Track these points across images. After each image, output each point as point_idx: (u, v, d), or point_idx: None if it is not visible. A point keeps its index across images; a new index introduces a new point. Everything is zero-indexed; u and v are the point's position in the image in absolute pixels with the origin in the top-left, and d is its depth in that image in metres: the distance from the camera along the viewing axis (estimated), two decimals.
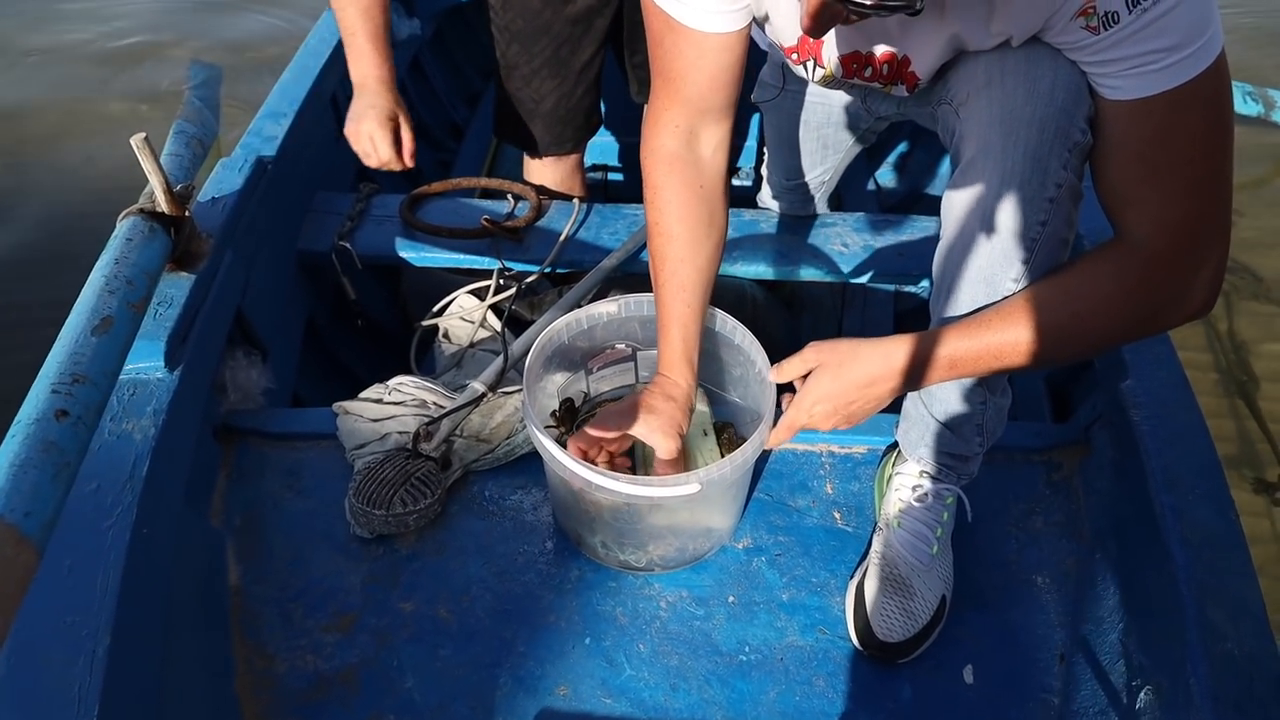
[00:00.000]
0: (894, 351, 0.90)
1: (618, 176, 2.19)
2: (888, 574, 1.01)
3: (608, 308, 1.07)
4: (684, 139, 1.01)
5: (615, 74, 1.72)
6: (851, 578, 1.05)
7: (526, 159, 1.68)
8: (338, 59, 1.72)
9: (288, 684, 0.96)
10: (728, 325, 1.07)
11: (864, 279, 1.48)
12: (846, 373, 0.92)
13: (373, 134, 1.41)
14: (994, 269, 0.88)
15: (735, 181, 2.28)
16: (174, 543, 0.97)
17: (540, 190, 1.61)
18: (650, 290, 1.04)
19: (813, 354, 0.94)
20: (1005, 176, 0.85)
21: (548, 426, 1.17)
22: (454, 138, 2.26)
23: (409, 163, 1.45)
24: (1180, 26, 0.77)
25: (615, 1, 1.53)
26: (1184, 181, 0.82)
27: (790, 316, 1.63)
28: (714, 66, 0.95)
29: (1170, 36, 0.77)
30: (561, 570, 1.06)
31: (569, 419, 1.17)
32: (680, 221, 1.01)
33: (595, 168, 2.22)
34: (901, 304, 1.76)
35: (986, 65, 0.88)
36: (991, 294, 0.89)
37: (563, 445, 0.96)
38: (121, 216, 1.18)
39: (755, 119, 2.13)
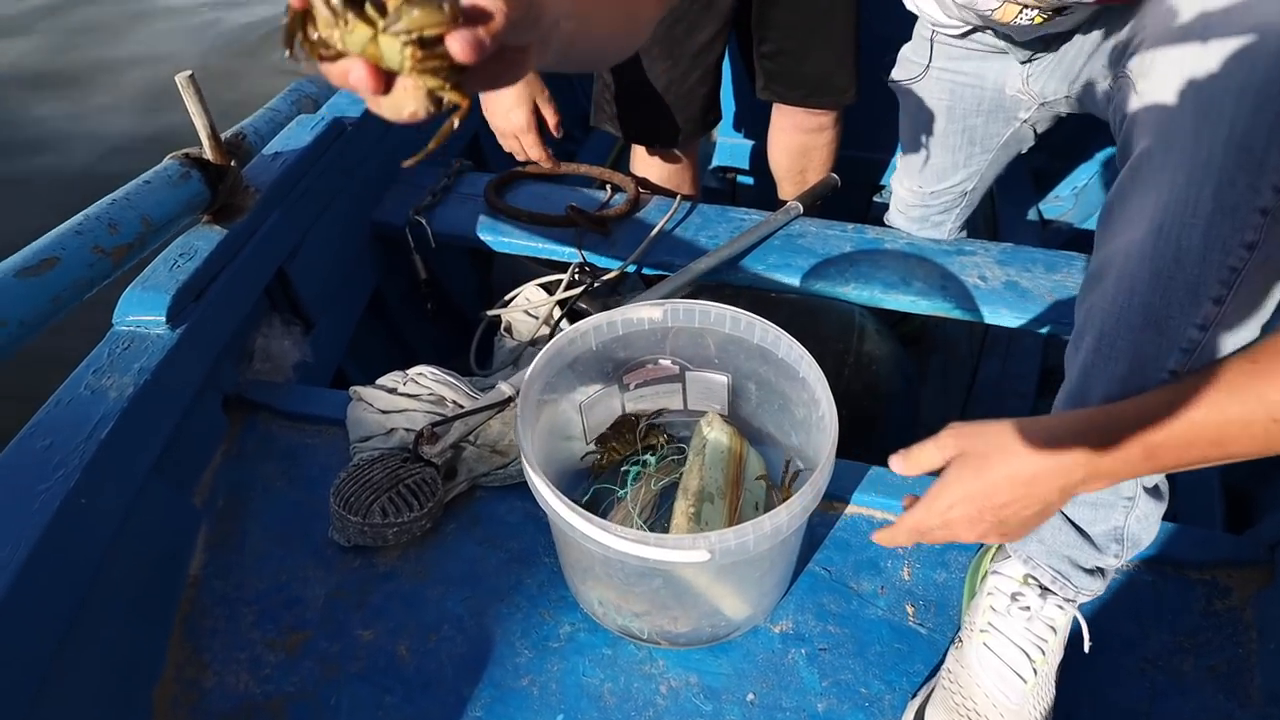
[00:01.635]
0: (1063, 435, 0.63)
1: (747, 180, 1.99)
2: (959, 704, 0.75)
3: (651, 313, 0.87)
4: None
5: (745, 72, 1.53)
6: (913, 697, 0.81)
7: (634, 150, 1.51)
8: None
9: (210, 702, 0.82)
10: (793, 353, 0.84)
11: (1005, 321, 1.21)
12: (1000, 466, 0.65)
13: (519, 135, 1.32)
14: (1170, 308, 0.61)
15: (876, 199, 2.03)
16: (123, 517, 0.86)
17: (641, 182, 1.44)
18: (743, 305, 0.84)
19: (952, 440, 0.68)
20: (1196, 174, 0.58)
21: (589, 453, 0.98)
22: (582, 127, 2.13)
23: (557, 133, 1.35)
24: None
25: None
26: None
27: (910, 356, 1.38)
28: None
29: None
30: (551, 624, 0.87)
31: (622, 439, 0.98)
32: None
33: (723, 169, 2.03)
34: (1052, 356, 1.46)
35: (1182, 15, 0.62)
36: (1165, 344, 0.62)
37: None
38: (168, 157, 1.10)
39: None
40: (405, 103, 0.41)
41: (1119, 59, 0.71)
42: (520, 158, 1.37)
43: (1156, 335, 0.62)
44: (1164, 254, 0.60)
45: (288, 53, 0.42)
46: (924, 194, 1.26)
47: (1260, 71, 0.54)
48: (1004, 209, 1.85)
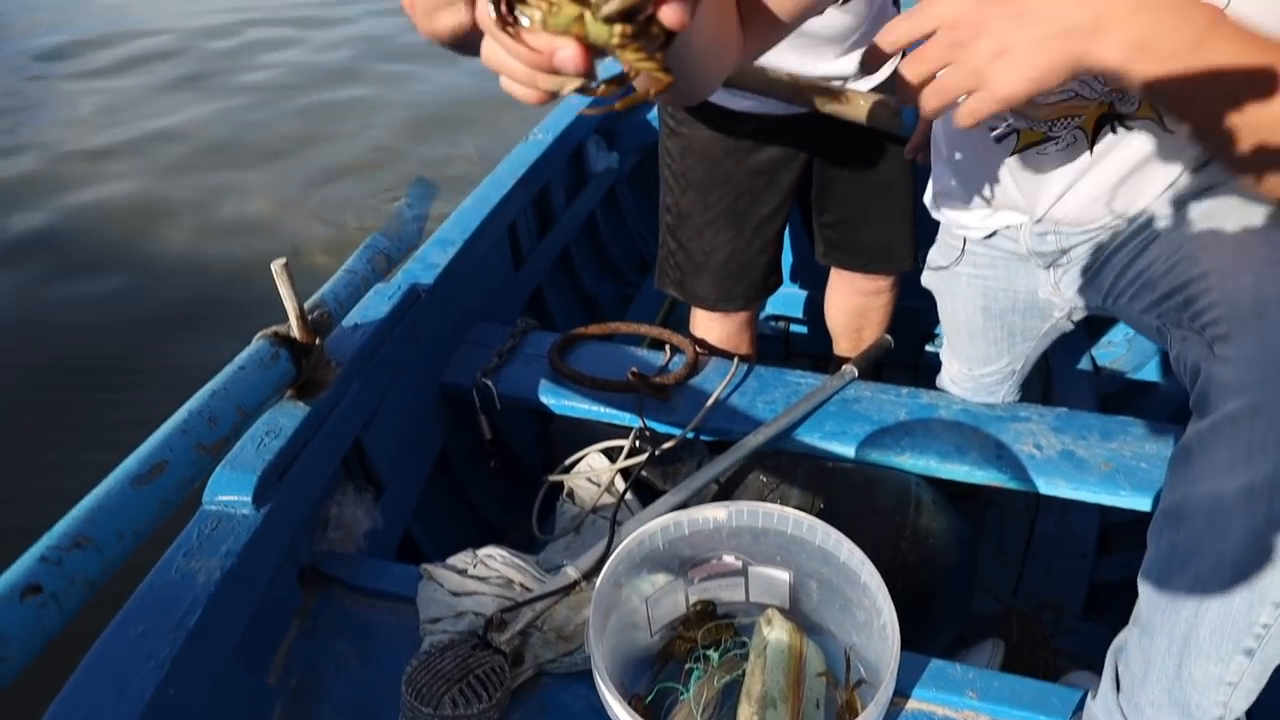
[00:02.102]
0: None
1: (800, 329, 2.04)
2: None
3: (716, 513, 0.91)
4: None
5: (803, 227, 1.59)
6: None
7: (693, 310, 1.57)
8: (523, 188, 1.71)
9: None
10: (854, 558, 0.86)
11: (1061, 491, 1.22)
12: None
13: None
14: (1260, 564, 0.63)
15: (929, 347, 2.06)
16: (206, 705, 0.89)
17: (700, 344, 1.49)
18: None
19: None
20: None
21: (678, 637, 1.00)
22: (639, 271, 2.21)
23: None
24: None
25: (804, 156, 1.41)
26: None
27: (965, 511, 1.38)
28: None
29: None
30: None
31: (689, 632, 0.99)
32: None
33: (776, 318, 2.08)
34: (1111, 515, 1.46)
35: (1250, 281, 0.65)
36: (1256, 599, 0.64)
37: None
38: (256, 338, 1.17)
39: None
40: (568, 81, 0.42)
41: (1175, 305, 0.74)
42: None
43: (1249, 591, 0.64)
44: (1257, 514, 0.62)
45: (494, 14, 0.40)
46: (973, 375, 1.29)
47: None
48: (1057, 361, 1.87)
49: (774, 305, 2.13)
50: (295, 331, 1.16)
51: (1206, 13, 0.56)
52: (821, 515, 1.22)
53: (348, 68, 5.19)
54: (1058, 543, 1.56)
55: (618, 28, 0.39)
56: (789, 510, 0.88)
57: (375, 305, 1.33)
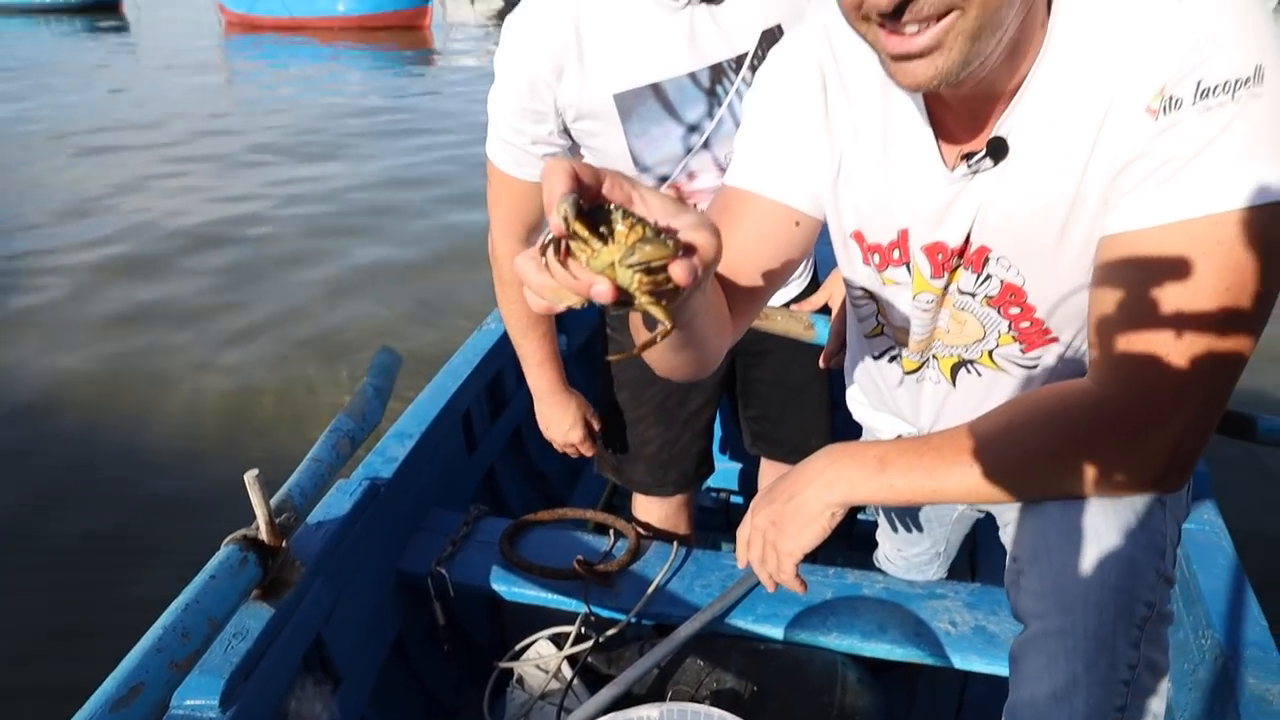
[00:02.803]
0: (822, 451, 0.91)
1: (739, 500, 2.17)
2: None
3: (649, 713, 1.00)
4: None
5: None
6: None
7: (635, 496, 1.69)
8: (477, 376, 1.85)
9: None
10: None
11: (975, 666, 1.32)
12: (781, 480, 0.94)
13: (572, 441, 1.65)
14: None
15: (860, 516, 2.19)
16: None
17: (642, 528, 1.60)
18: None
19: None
20: (1069, 656, 0.75)
21: None
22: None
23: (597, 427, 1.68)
24: (1247, 140, 0.68)
25: (729, 358, 1.57)
26: (1162, 335, 0.71)
27: (897, 677, 1.48)
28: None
29: (1229, 146, 0.68)
30: None
31: None
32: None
33: (716, 490, 2.21)
34: None
35: (1033, 531, 0.81)
36: None
37: None
38: (225, 542, 1.26)
39: None
40: (569, 297, 0.56)
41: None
42: (573, 455, 1.69)
43: None
44: (1062, 713, 0.76)
45: (544, 255, 0.56)
46: (903, 555, 1.42)
47: (1095, 590, 0.76)
48: (981, 538, 2.00)
49: (714, 479, 2.26)
50: (264, 536, 1.25)
51: (874, 450, 0.87)
52: (754, 698, 1.32)
53: (303, 247, 5.40)
54: (986, 708, 1.65)
55: (639, 276, 0.55)
56: (714, 710, 0.98)
57: (338, 502, 1.43)
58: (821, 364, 1.44)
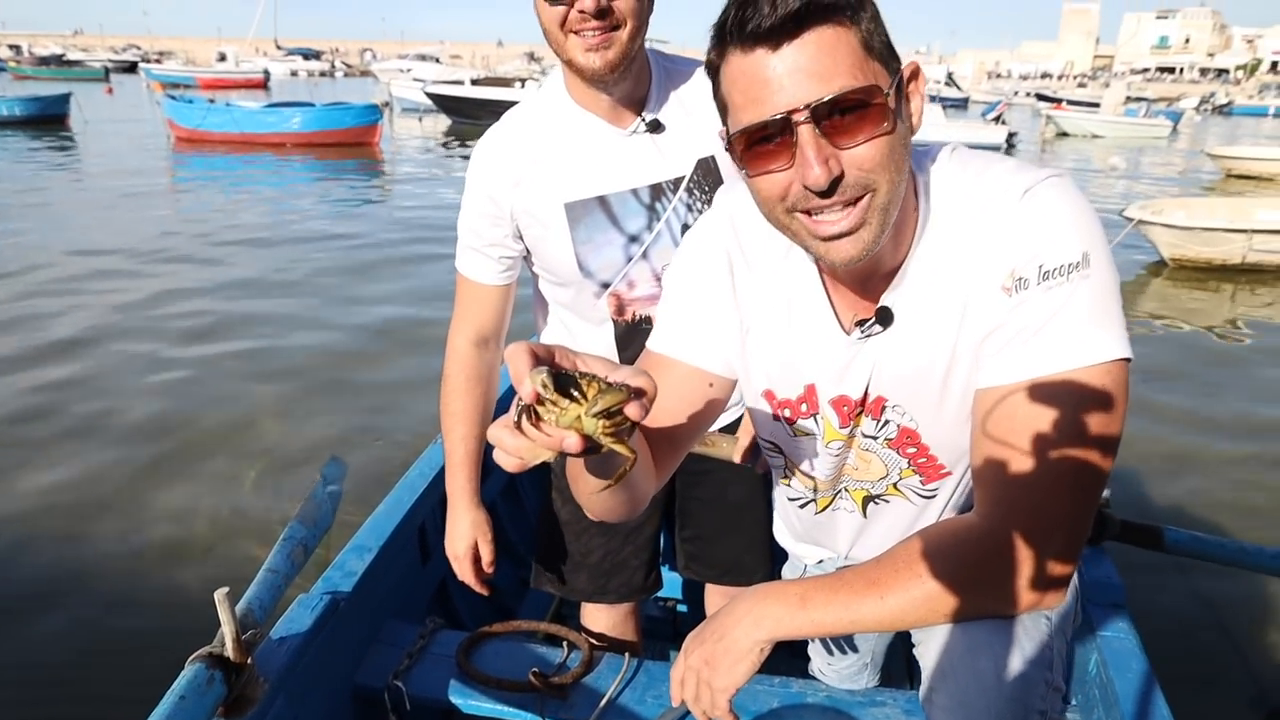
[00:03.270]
0: (749, 591, 1.00)
1: (684, 609, 2.22)
2: None
3: None
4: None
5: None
6: None
7: (583, 605, 1.75)
8: (432, 490, 1.91)
9: None
10: None
11: None
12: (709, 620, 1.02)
13: (456, 555, 1.62)
14: None
15: None
16: None
17: (595, 638, 1.66)
18: None
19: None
20: None
21: None
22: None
23: (488, 570, 1.64)
24: (1080, 313, 0.84)
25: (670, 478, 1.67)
26: (1031, 473, 0.85)
27: None
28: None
29: (1066, 319, 0.84)
30: None
31: None
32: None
33: (662, 600, 2.26)
34: None
35: (940, 651, 0.93)
36: None
37: None
38: (190, 660, 1.28)
39: None
40: (542, 453, 0.67)
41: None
42: (456, 570, 1.65)
43: None
44: None
45: (518, 421, 0.67)
46: (832, 667, 1.49)
47: (993, 701, 0.88)
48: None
49: (666, 589, 2.33)
50: (230, 653, 1.28)
51: (795, 588, 0.97)
52: None
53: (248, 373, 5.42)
54: None
55: (602, 422, 0.68)
56: None
57: (299, 617, 1.47)
58: (737, 458, 1.52)
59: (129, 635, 2.71)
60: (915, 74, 0.88)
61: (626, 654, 1.59)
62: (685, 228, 1.43)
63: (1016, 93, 59.49)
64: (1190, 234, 7.95)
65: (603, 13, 1.22)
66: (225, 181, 12.71)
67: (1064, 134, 28.44)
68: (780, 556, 1.67)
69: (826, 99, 0.80)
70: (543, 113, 1.43)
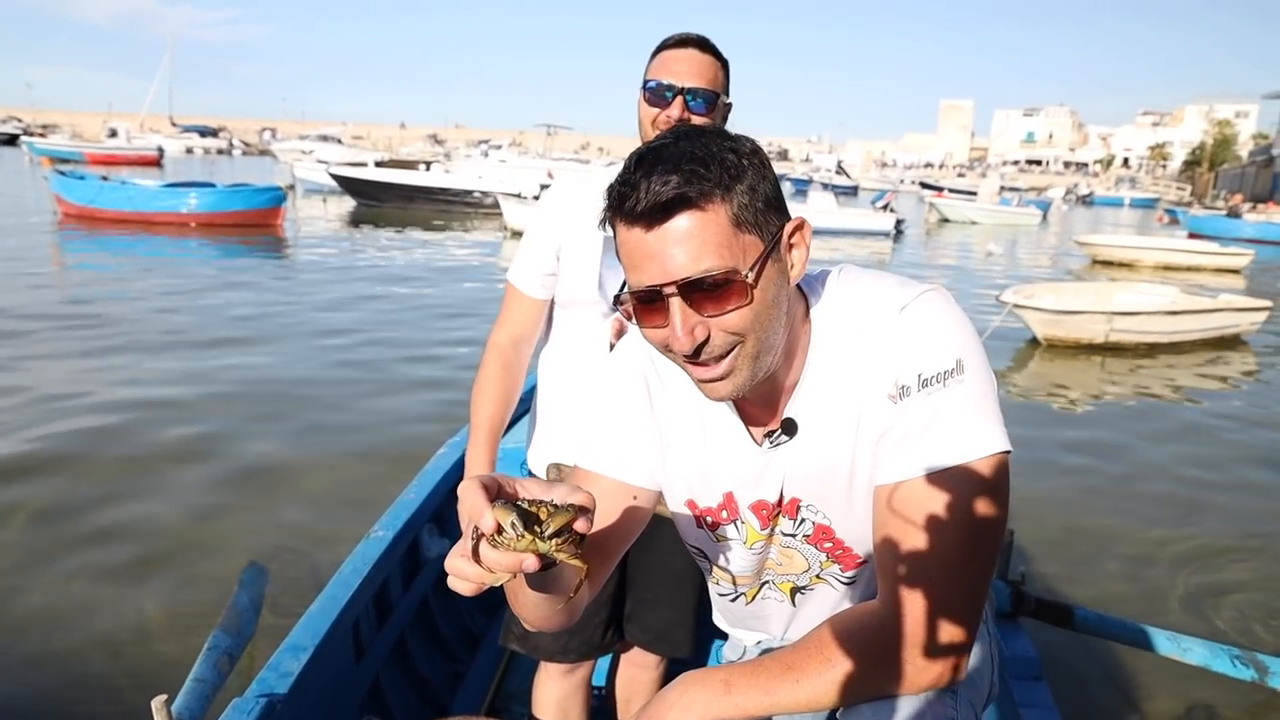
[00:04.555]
0: (688, 673, 1.05)
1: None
2: None
3: None
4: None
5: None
6: None
7: (538, 671, 1.83)
8: (366, 586, 1.90)
9: None
10: None
11: None
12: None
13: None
14: None
15: None
16: None
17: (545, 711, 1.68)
18: None
19: None
20: None
21: None
22: (469, 649, 2.37)
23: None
24: (958, 415, 0.95)
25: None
26: (924, 562, 0.95)
27: None
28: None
29: (947, 421, 0.95)
30: None
31: None
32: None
33: (599, 688, 2.28)
34: None
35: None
36: None
37: None
38: None
39: None
40: (502, 576, 0.77)
41: None
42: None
43: None
44: None
45: (473, 550, 0.77)
46: None
47: None
48: None
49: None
50: None
51: (720, 674, 1.03)
52: None
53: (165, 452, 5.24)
54: None
55: (555, 541, 0.78)
56: None
57: None
58: None
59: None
60: (799, 227, 1.01)
61: None
62: None
63: (902, 181, 63.02)
64: (1059, 317, 8.55)
65: (681, 122, 1.55)
66: (119, 258, 12.29)
67: (946, 220, 30.22)
68: (716, 634, 1.74)
69: (692, 279, 0.92)
70: (612, 174, 1.59)
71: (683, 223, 0.91)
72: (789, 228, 0.99)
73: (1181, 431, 6.32)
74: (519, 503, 0.78)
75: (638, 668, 1.88)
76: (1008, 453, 0.98)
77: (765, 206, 0.96)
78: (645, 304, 0.96)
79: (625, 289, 0.99)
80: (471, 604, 2.49)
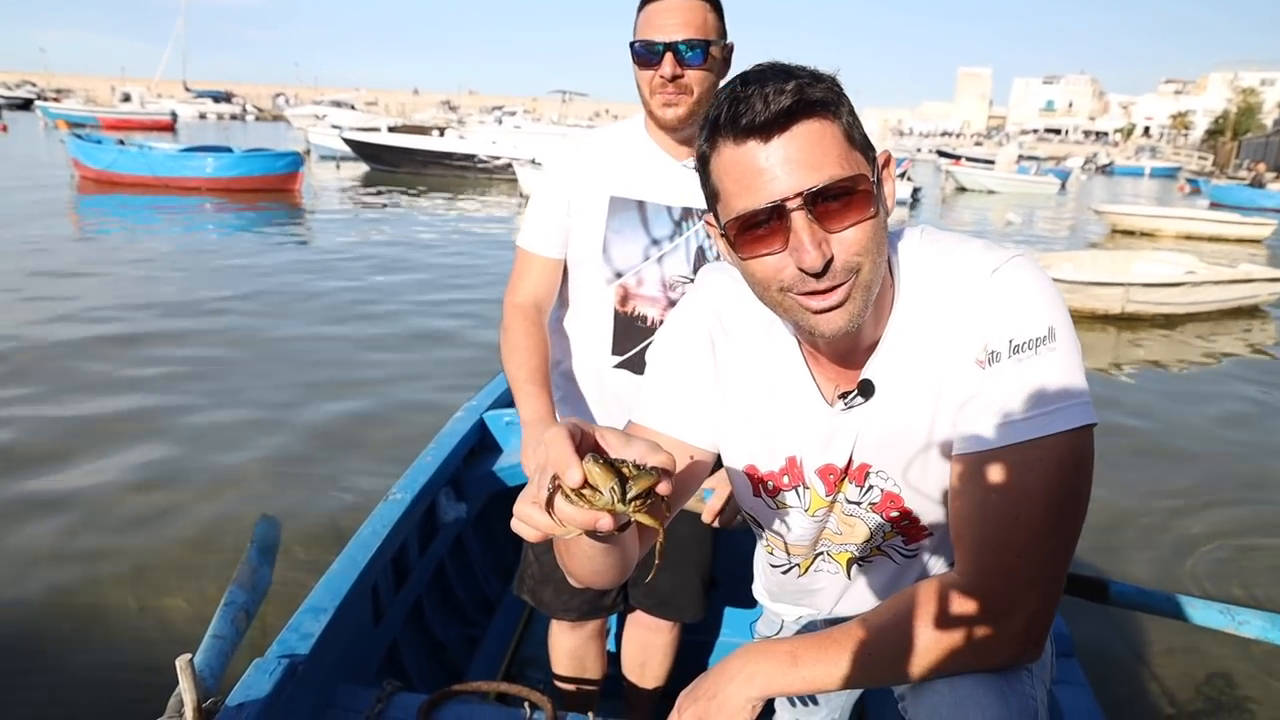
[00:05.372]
0: (750, 644, 1.04)
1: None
2: None
3: None
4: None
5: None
6: None
7: (552, 624, 1.85)
8: (385, 548, 1.90)
9: None
10: None
11: None
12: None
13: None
14: None
15: None
16: None
17: (557, 695, 1.67)
18: None
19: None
20: None
21: None
22: (484, 612, 2.38)
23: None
24: (1049, 384, 0.91)
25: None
26: (1008, 534, 0.92)
27: None
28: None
29: (1036, 390, 0.91)
30: None
31: None
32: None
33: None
34: None
35: (926, 708, 0.98)
36: None
37: None
38: None
39: None
40: (571, 530, 0.75)
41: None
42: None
43: None
44: None
45: (549, 500, 0.74)
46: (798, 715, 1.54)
47: None
48: (870, 698, 2.15)
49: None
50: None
51: (785, 646, 1.02)
52: None
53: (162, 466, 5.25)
54: None
55: (635, 503, 0.74)
56: None
57: (257, 683, 1.45)
58: (705, 519, 1.61)
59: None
60: (887, 162, 0.97)
61: (590, 713, 1.61)
62: (700, 250, 1.68)
63: (920, 149, 62.25)
64: (1075, 287, 8.46)
65: (675, 78, 1.54)
66: (132, 221, 12.31)
67: (963, 189, 29.86)
68: (723, 601, 1.74)
69: (818, 187, 0.87)
70: (619, 133, 1.74)
71: (803, 130, 0.87)
72: (881, 158, 0.95)
73: (1206, 399, 6.26)
74: (607, 460, 0.75)
75: (649, 630, 1.89)
76: (1094, 425, 0.94)
77: (864, 134, 0.93)
78: (755, 229, 0.90)
79: (724, 219, 0.93)
80: (487, 569, 2.49)
